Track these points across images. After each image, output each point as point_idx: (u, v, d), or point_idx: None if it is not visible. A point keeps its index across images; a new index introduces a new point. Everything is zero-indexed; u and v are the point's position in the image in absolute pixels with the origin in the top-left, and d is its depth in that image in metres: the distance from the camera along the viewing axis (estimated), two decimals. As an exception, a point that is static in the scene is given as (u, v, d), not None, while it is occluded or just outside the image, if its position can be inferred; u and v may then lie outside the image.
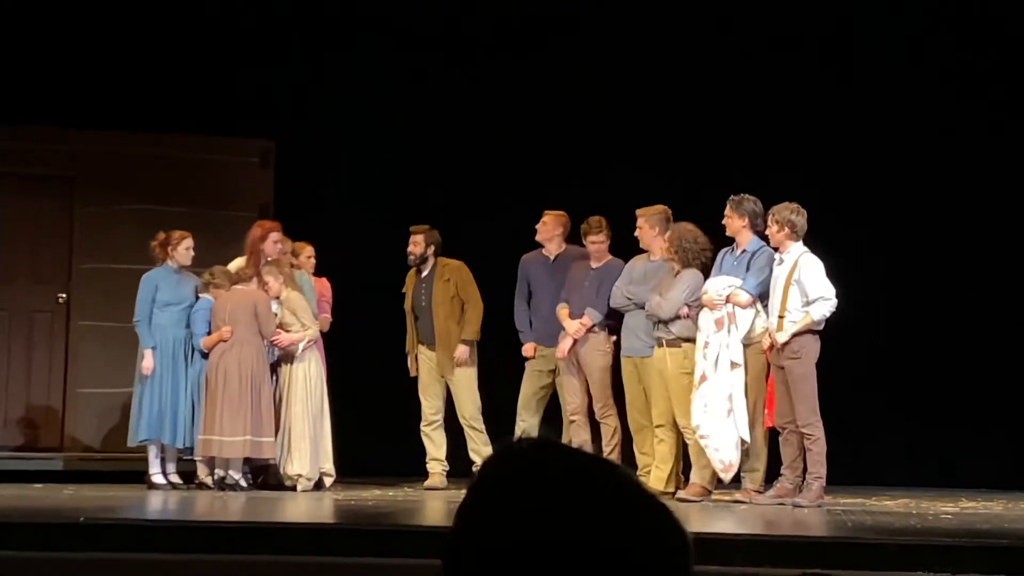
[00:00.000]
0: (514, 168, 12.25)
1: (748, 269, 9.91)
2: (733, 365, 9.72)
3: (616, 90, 12.39)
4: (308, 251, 11.33)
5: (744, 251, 10.00)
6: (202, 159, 12.54)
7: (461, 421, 11.22)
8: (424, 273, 11.34)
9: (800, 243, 9.71)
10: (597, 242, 10.74)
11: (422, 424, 11.30)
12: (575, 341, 10.64)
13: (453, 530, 1.55)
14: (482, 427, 11.16)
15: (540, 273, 11.15)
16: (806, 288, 9.57)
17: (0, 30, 12.09)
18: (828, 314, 9.60)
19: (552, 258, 11.12)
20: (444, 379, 11.29)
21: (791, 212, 9.71)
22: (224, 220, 12.11)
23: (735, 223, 10.02)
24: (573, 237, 11.07)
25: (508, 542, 1.49)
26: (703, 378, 9.74)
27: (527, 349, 11.14)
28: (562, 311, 10.78)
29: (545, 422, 10.92)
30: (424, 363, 11.32)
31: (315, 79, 12.51)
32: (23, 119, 12.16)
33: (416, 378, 11.37)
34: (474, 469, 11.09)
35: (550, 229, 11.10)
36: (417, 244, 11.29)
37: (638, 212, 10.57)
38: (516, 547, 1.48)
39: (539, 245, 11.20)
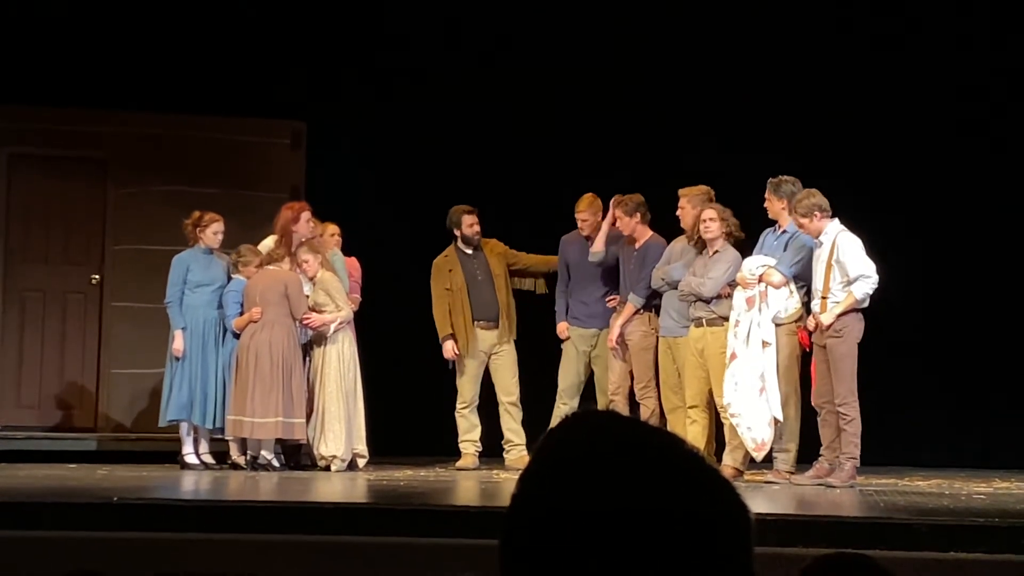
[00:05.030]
0: (544, 152, 12.22)
1: (786, 250, 9.90)
2: (764, 344, 9.71)
3: (651, 74, 12.34)
4: (332, 229, 11.32)
5: (784, 231, 9.98)
6: (234, 140, 12.57)
7: (501, 399, 11.23)
8: (471, 250, 11.36)
9: (836, 221, 9.66)
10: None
11: (459, 404, 11.30)
12: (622, 328, 10.68)
13: (515, 496, 1.55)
14: (520, 406, 11.18)
15: (577, 254, 11.16)
16: (846, 267, 9.54)
17: (34, 12, 12.13)
18: (870, 291, 9.55)
19: (592, 238, 11.13)
20: (488, 358, 11.28)
21: (808, 197, 9.66)
22: (255, 201, 12.15)
23: (775, 205, 10.00)
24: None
25: (570, 511, 1.48)
26: (733, 356, 9.74)
27: (559, 329, 11.17)
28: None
29: (582, 402, 10.94)
30: (472, 343, 11.30)
31: (346, 60, 12.51)
32: (57, 101, 12.21)
33: (446, 360, 11.36)
34: (507, 448, 11.17)
35: (591, 222, 11.10)
36: (479, 222, 11.36)
37: (681, 192, 10.54)
38: (578, 516, 1.48)
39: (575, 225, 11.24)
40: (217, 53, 12.27)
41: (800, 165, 10.22)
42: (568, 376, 11.15)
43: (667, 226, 10.66)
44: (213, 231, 10.93)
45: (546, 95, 12.31)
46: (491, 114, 12.39)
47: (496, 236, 11.48)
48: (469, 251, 11.39)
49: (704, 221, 10.18)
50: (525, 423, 11.16)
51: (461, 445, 11.28)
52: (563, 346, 11.21)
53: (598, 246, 10.91)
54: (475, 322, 11.30)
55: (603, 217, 11.04)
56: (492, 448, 11.28)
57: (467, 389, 11.32)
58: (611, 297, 11.04)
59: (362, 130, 12.54)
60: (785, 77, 12.26)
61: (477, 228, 11.36)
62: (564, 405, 10.99)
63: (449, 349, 11.31)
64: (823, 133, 12.03)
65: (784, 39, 12.31)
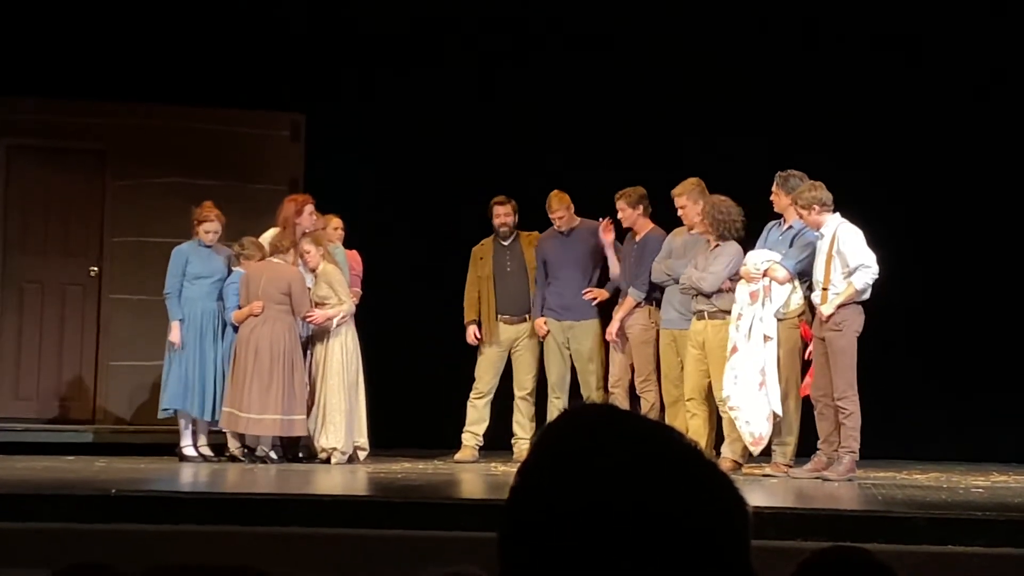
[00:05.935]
0: (544, 146, 12.20)
1: (791, 245, 9.88)
2: (766, 338, 9.70)
3: (647, 72, 12.33)
4: (336, 222, 11.30)
5: (790, 227, 9.96)
6: (233, 132, 12.55)
7: (518, 392, 11.21)
8: (507, 241, 11.35)
9: (837, 214, 9.65)
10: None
11: (472, 394, 11.28)
12: (622, 322, 10.67)
13: (513, 489, 1.54)
14: (531, 401, 11.18)
15: (553, 250, 11.16)
16: (847, 258, 9.52)
17: (32, 3, 12.12)
18: (871, 282, 9.53)
19: (567, 232, 11.12)
20: (510, 352, 11.27)
21: (810, 190, 9.66)
22: (255, 193, 12.14)
23: (782, 200, 9.97)
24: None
25: (568, 503, 1.48)
26: (734, 349, 9.73)
27: (536, 325, 11.16)
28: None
29: (574, 397, 10.95)
30: (493, 334, 11.29)
31: (345, 52, 12.49)
32: (55, 92, 12.18)
33: (470, 345, 11.34)
34: (513, 441, 11.16)
35: (567, 217, 11.11)
36: (509, 215, 11.32)
37: (674, 193, 10.50)
38: (576, 509, 1.48)
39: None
40: (216, 44, 12.25)
41: (804, 163, 10.19)
42: (555, 370, 11.14)
43: (671, 224, 10.65)
44: (205, 229, 10.86)
45: (546, 90, 12.30)
46: (491, 108, 12.38)
47: (490, 230, 11.44)
48: (505, 242, 11.38)
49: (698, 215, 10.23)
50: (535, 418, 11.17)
51: (463, 436, 11.25)
52: (544, 341, 11.21)
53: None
54: (498, 316, 11.30)
55: (574, 209, 11.08)
56: (494, 442, 11.27)
57: (482, 380, 11.31)
58: (587, 290, 11.06)
59: (361, 122, 12.53)
60: (788, 75, 12.25)
61: (503, 220, 11.32)
62: (557, 400, 10.99)
63: (471, 334, 11.32)
64: (825, 132, 12.00)
65: (787, 35, 12.31)
